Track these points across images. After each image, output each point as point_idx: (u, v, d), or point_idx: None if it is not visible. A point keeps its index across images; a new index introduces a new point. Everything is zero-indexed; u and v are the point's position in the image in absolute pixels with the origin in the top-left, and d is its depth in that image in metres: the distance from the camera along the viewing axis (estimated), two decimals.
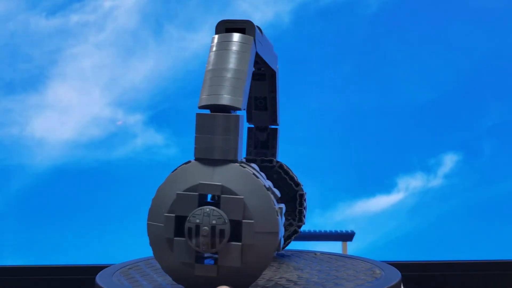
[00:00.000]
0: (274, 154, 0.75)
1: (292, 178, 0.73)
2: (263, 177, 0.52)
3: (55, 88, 1.26)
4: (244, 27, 0.56)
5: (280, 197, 0.71)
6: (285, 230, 0.72)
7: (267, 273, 0.64)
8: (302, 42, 1.27)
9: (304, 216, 0.73)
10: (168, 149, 1.24)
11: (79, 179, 1.26)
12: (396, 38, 1.31)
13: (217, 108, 0.53)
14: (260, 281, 0.60)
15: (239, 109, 0.52)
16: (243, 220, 0.50)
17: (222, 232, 0.49)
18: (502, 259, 1.22)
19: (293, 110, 1.29)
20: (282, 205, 0.52)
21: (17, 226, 1.25)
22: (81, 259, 1.22)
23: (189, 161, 0.54)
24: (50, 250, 1.25)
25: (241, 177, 0.51)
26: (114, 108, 1.27)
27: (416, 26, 1.30)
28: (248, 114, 0.75)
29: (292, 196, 0.73)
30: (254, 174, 0.51)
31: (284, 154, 1.29)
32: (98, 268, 0.66)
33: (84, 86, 1.27)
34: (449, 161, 1.30)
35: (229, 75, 0.53)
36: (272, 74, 0.71)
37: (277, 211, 0.50)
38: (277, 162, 0.74)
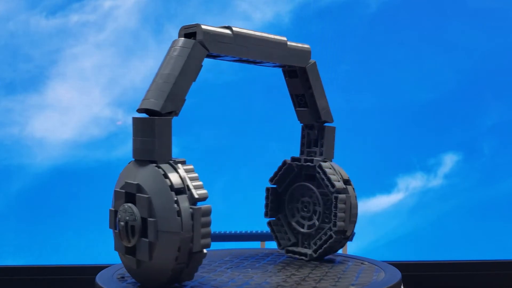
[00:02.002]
0: (322, 153, 0.71)
1: (329, 179, 0.68)
2: (181, 177, 0.54)
3: (55, 88, 1.26)
4: (194, 31, 0.58)
5: (322, 198, 0.69)
6: (325, 234, 0.69)
7: (255, 276, 0.64)
8: (302, 42, 1.26)
9: (344, 221, 0.67)
10: None
11: (79, 179, 1.26)
12: (395, 38, 1.31)
13: (148, 112, 0.55)
14: (235, 283, 0.60)
15: (159, 112, 0.54)
16: (148, 218, 0.52)
17: (132, 228, 0.53)
18: (502, 259, 1.22)
19: (293, 110, 1.29)
20: (200, 207, 0.53)
21: (17, 226, 1.26)
22: (81, 259, 1.22)
23: (131, 161, 0.57)
24: (50, 250, 1.25)
25: (153, 177, 0.53)
26: (114, 108, 1.27)
27: (416, 26, 1.30)
28: (296, 113, 0.74)
29: (330, 198, 0.68)
30: (164, 174, 0.53)
31: (285, 154, 1.29)
32: (98, 268, 0.66)
33: (84, 86, 1.27)
34: (449, 161, 1.30)
35: (159, 80, 0.56)
36: (304, 71, 0.70)
37: (178, 212, 0.52)
38: (319, 161, 0.70)
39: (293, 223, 0.74)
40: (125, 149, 1.23)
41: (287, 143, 1.28)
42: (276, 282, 0.61)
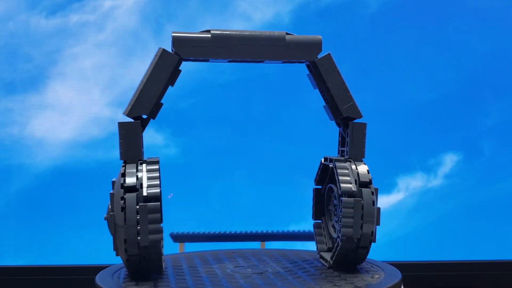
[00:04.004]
0: (348, 152, 0.66)
1: (338, 181, 0.63)
2: (138, 176, 0.59)
3: (55, 88, 1.26)
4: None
5: (337, 200, 0.65)
6: (335, 240, 0.65)
7: (236, 275, 0.64)
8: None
9: (352, 227, 0.61)
10: (167, 149, 1.24)
11: (79, 179, 1.25)
12: (396, 38, 1.31)
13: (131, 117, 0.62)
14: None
15: (127, 116, 0.62)
16: (110, 213, 0.59)
17: (107, 220, 0.60)
18: (502, 259, 1.22)
19: (293, 110, 1.29)
20: (147, 204, 0.57)
21: (17, 226, 1.25)
22: (81, 259, 1.22)
23: None
24: (50, 250, 1.25)
25: (118, 176, 0.60)
26: (114, 108, 1.27)
27: (416, 26, 1.30)
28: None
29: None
30: (122, 173, 0.60)
31: (284, 154, 1.29)
32: (98, 268, 0.67)
33: (84, 86, 1.27)
34: (449, 161, 1.30)
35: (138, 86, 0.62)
36: (315, 65, 0.65)
37: (122, 207, 0.58)
38: (336, 160, 0.65)
39: (330, 227, 0.70)
40: None
41: (287, 143, 1.28)
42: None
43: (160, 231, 0.58)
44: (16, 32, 1.25)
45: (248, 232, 1.16)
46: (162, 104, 0.63)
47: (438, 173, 1.29)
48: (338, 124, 0.68)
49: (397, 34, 1.31)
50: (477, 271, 1.20)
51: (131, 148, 0.61)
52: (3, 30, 1.25)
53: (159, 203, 0.58)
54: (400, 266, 0.69)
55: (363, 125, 0.67)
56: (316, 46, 0.65)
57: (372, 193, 0.63)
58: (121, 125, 0.61)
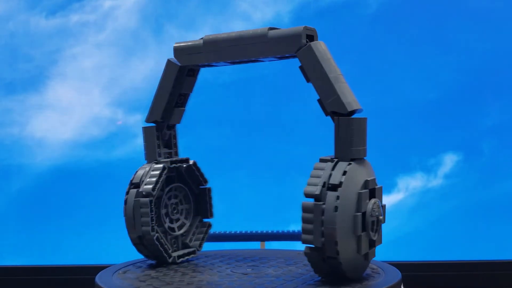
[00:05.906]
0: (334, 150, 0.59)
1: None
2: (143, 174, 0.66)
3: (55, 88, 1.26)
4: None
5: None
6: None
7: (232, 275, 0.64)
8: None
9: (313, 234, 0.54)
10: None
11: (79, 179, 1.26)
12: (396, 38, 1.31)
13: None
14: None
15: (146, 122, 0.69)
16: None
17: None
18: (502, 259, 1.22)
19: (294, 109, 1.29)
20: (139, 199, 0.65)
21: (17, 226, 1.26)
22: (81, 259, 1.22)
23: None
24: (50, 250, 1.25)
25: None
26: (114, 108, 1.27)
27: (416, 26, 1.30)
28: None
29: None
30: (136, 171, 0.67)
31: (284, 154, 1.29)
32: (98, 268, 0.67)
33: (84, 86, 1.27)
34: (449, 161, 1.30)
35: None
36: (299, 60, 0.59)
37: (125, 200, 0.65)
38: (320, 160, 0.58)
39: None
40: (125, 149, 1.23)
41: (287, 143, 1.28)
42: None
43: (148, 224, 0.64)
44: (16, 32, 1.25)
45: (248, 232, 1.16)
46: (180, 109, 0.71)
47: (438, 173, 1.29)
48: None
49: (397, 34, 1.31)
50: (477, 271, 1.20)
51: (149, 149, 0.69)
52: (3, 30, 1.25)
53: (150, 198, 0.64)
54: (400, 266, 0.69)
55: (349, 121, 0.59)
56: (296, 38, 0.59)
57: (338, 197, 0.54)
58: (143, 129, 0.69)
